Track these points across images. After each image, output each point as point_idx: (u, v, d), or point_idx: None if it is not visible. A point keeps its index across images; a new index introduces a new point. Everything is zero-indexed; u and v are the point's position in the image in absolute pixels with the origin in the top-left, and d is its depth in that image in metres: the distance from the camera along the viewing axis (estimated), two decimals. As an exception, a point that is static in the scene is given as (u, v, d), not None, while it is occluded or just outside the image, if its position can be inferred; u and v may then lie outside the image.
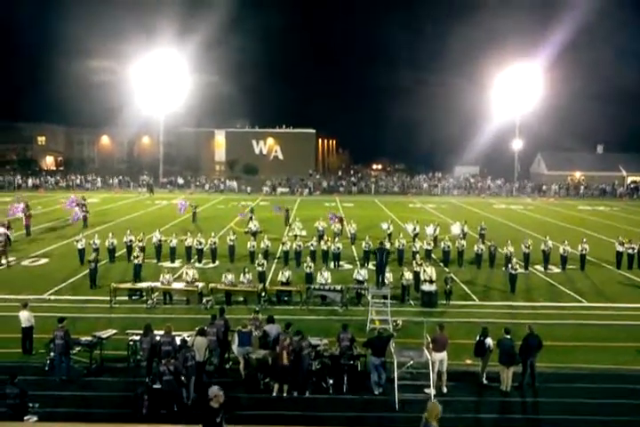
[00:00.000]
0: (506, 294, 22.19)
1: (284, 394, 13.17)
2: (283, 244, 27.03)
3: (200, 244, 26.93)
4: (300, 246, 26.69)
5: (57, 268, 25.52)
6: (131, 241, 27.14)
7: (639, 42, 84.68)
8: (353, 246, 30.31)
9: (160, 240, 27.32)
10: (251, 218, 36.30)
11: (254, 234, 30.60)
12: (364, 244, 26.87)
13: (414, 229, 31.66)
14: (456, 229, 31.28)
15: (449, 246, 27.28)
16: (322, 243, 27.37)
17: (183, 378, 12.53)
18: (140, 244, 26.47)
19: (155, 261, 26.68)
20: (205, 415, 9.31)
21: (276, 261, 26.97)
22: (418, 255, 24.51)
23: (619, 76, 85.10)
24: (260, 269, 22.59)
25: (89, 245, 26.10)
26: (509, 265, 23.21)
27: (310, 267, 22.62)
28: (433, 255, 27.95)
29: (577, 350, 16.31)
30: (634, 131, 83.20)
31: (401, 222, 36.93)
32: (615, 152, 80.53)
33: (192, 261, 26.20)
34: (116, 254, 26.91)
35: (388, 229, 32.09)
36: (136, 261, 23.19)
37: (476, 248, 27.07)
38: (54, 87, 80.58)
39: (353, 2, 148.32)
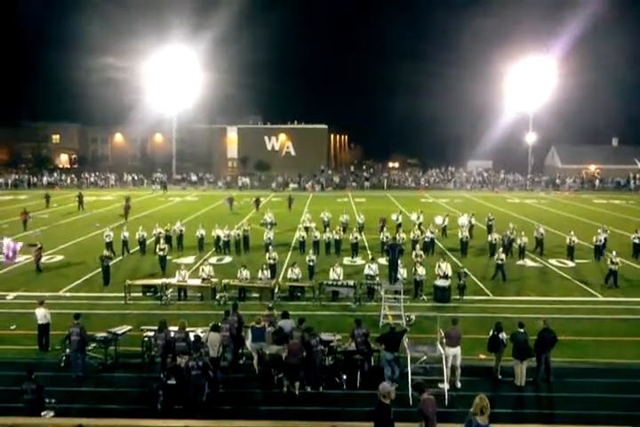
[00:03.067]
0: (520, 288, 22.12)
1: (296, 391, 13.19)
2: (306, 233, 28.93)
3: (228, 236, 28.08)
4: (316, 237, 27.89)
5: (72, 265, 25.77)
6: (160, 233, 28.08)
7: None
8: (362, 236, 30.84)
9: (182, 231, 28.89)
10: (257, 206, 43.83)
11: (269, 226, 31.87)
12: (382, 235, 27.82)
13: (418, 217, 33.02)
14: (464, 220, 32.15)
15: (467, 237, 28.17)
16: (334, 233, 28.33)
17: (210, 372, 12.59)
18: (168, 233, 28.09)
19: (177, 253, 27.81)
20: (378, 412, 9.36)
21: (290, 251, 28.15)
22: (418, 245, 25.31)
23: (633, 68, 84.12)
24: (271, 262, 22.75)
25: (117, 238, 27.51)
26: (495, 255, 23.82)
27: (312, 261, 22.96)
28: (440, 244, 29.29)
29: (592, 344, 16.20)
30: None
31: (409, 214, 37.45)
32: (630, 145, 79.61)
33: (211, 251, 27.01)
34: (134, 249, 27.97)
35: (397, 219, 33.32)
36: (161, 253, 24.17)
37: (489, 238, 28.01)
38: (68, 86, 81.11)
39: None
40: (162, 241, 26.06)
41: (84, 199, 45.49)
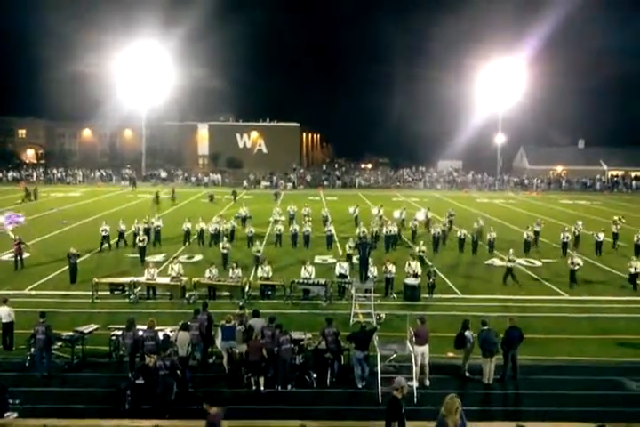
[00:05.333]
0: (488, 286, 22.44)
1: (261, 387, 13.18)
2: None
3: (215, 230, 29.17)
4: (295, 230, 29.25)
5: (38, 262, 25.25)
6: (159, 226, 29.54)
7: (621, 37, 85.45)
8: (324, 228, 31.33)
9: (159, 226, 29.63)
10: (234, 198, 47.68)
11: (244, 219, 33.38)
12: (358, 230, 28.53)
13: (378, 211, 35.16)
14: (420, 215, 33.94)
15: (439, 233, 28.97)
16: (302, 223, 30.16)
17: (179, 372, 12.47)
18: (146, 225, 28.91)
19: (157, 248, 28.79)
20: (390, 406, 9.35)
21: (264, 243, 28.81)
22: (351, 238, 26.57)
23: (600, 71, 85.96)
24: (224, 251, 24.71)
25: (115, 232, 28.54)
26: (417, 248, 25.12)
27: (259, 251, 24.20)
28: (403, 237, 31.24)
29: (558, 342, 16.51)
30: (614, 125, 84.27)
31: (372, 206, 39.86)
32: (596, 146, 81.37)
33: (180, 250, 26.50)
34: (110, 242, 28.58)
35: (354, 212, 35.83)
36: (141, 244, 25.24)
37: (459, 233, 28.99)
38: (35, 80, 79.48)
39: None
40: (141, 233, 26.89)
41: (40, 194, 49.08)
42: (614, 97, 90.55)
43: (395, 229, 29.35)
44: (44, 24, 76.82)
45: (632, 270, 22.24)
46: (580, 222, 31.39)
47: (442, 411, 8.87)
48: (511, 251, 23.23)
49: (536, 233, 30.02)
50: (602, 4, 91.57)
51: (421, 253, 24.43)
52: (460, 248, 28.72)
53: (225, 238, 26.27)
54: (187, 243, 29.53)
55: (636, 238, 27.81)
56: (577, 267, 22.41)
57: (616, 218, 32.33)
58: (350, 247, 24.72)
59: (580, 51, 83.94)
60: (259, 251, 24.48)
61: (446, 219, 33.68)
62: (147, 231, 28.35)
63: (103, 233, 27.88)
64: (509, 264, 22.72)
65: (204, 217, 31.25)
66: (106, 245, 28.06)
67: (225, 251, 24.79)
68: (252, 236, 28.79)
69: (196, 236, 29.87)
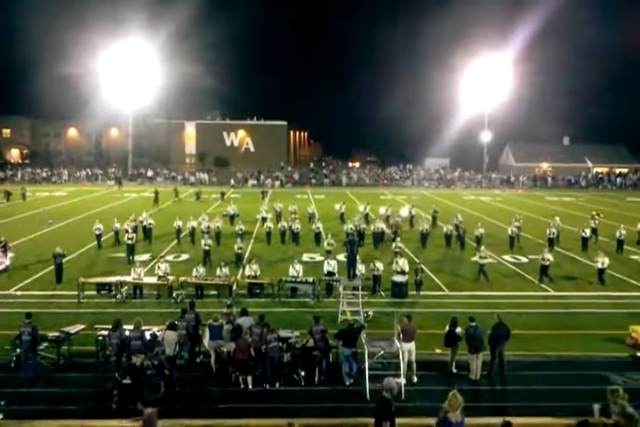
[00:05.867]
0: (474, 283, 22.53)
1: (249, 386, 13.18)
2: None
3: (207, 228, 29.12)
4: (283, 227, 29.52)
5: (23, 262, 25.02)
6: (151, 224, 29.69)
7: (605, 36, 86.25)
8: (312, 225, 31.29)
9: (151, 224, 29.62)
10: (222, 197, 48.43)
11: (232, 217, 33.91)
12: (345, 227, 29.15)
13: (365, 208, 35.84)
14: (404, 211, 34.47)
15: (426, 229, 29.19)
16: (289, 221, 30.40)
17: (166, 371, 12.43)
18: (134, 223, 28.95)
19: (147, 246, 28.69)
20: (379, 407, 9.36)
21: (252, 240, 29.66)
22: (329, 235, 26.79)
23: (584, 69, 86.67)
24: (206, 248, 24.79)
25: (108, 230, 28.85)
26: (393, 245, 25.38)
27: (241, 248, 24.69)
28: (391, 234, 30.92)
29: (544, 338, 16.62)
30: (599, 123, 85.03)
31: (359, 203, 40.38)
32: (581, 144, 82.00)
33: (167, 249, 26.37)
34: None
35: (340, 209, 36.46)
36: (129, 242, 25.27)
37: (445, 229, 29.39)
38: (20, 78, 78.70)
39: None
40: (130, 231, 26.86)
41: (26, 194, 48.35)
42: (599, 94, 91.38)
43: (383, 227, 29.51)
44: (30, 23, 76.07)
45: (599, 265, 22.51)
46: (557, 218, 31.62)
47: (445, 407, 8.94)
48: (482, 248, 23.85)
49: (517, 228, 30.20)
50: (586, 4, 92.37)
51: (397, 250, 24.47)
52: (447, 244, 28.96)
53: (206, 235, 26.50)
54: (177, 241, 29.63)
55: (618, 234, 28.10)
56: (547, 262, 22.58)
57: (594, 213, 32.83)
58: (329, 244, 24.92)
59: (566, 49, 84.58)
60: (240, 248, 24.74)
61: (430, 216, 33.92)
62: (135, 230, 28.28)
63: (97, 232, 27.97)
64: (481, 261, 22.96)
65: (194, 216, 31.42)
66: (95, 243, 27.98)
67: (207, 248, 24.85)
68: (242, 233, 28.88)
69: (186, 232, 29.93)
